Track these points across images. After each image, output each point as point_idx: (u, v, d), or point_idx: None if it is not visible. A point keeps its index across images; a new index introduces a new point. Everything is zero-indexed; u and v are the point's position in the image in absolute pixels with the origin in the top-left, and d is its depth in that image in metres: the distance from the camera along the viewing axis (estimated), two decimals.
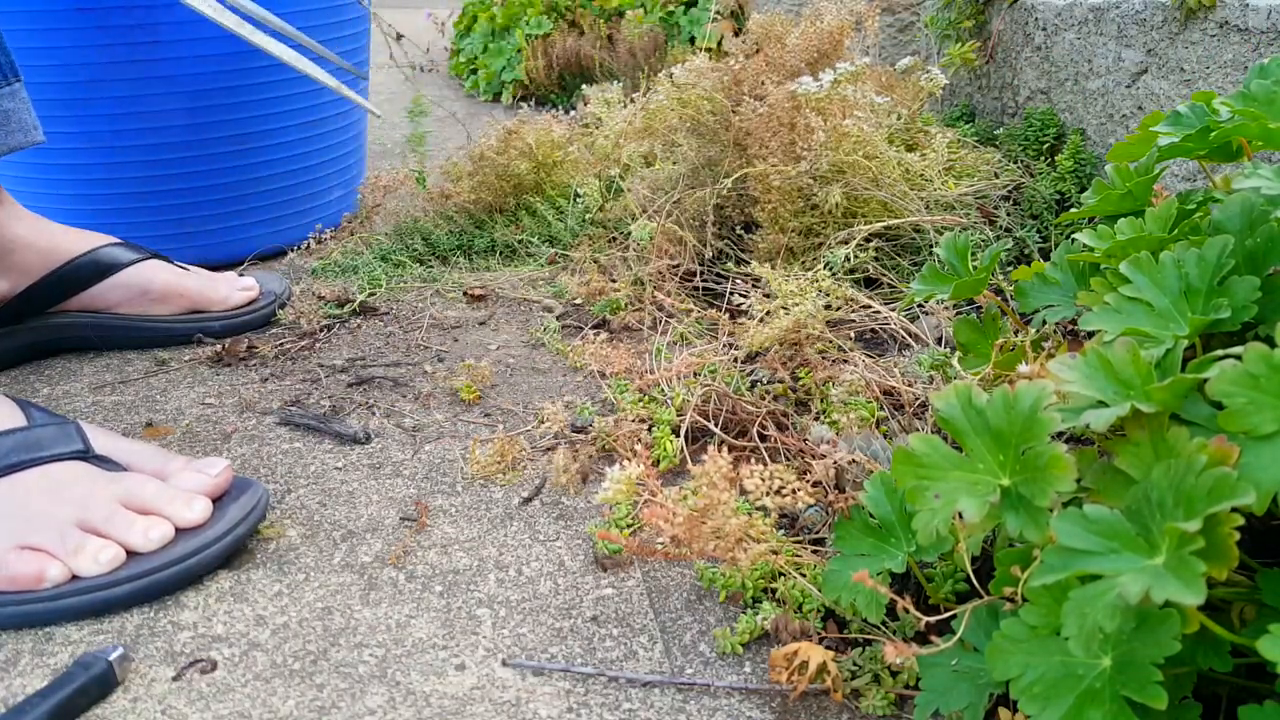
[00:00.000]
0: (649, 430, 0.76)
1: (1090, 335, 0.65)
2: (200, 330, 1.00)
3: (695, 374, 0.80)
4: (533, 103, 2.28)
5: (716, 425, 0.75)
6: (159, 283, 0.99)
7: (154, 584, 0.61)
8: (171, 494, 0.65)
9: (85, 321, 0.97)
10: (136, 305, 0.98)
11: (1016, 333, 0.65)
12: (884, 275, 0.99)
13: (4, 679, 0.56)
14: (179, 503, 0.64)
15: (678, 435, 0.75)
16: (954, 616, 0.47)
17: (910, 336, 0.88)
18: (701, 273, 1.06)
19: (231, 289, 1.03)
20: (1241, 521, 0.35)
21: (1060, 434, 0.46)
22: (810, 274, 0.84)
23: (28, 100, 0.87)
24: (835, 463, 0.65)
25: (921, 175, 1.04)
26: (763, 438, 0.74)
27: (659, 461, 0.74)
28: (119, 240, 0.99)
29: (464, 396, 0.86)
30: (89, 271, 0.96)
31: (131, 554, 0.62)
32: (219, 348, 0.96)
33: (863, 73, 1.02)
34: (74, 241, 0.96)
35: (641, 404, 0.79)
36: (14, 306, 0.94)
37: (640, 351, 0.91)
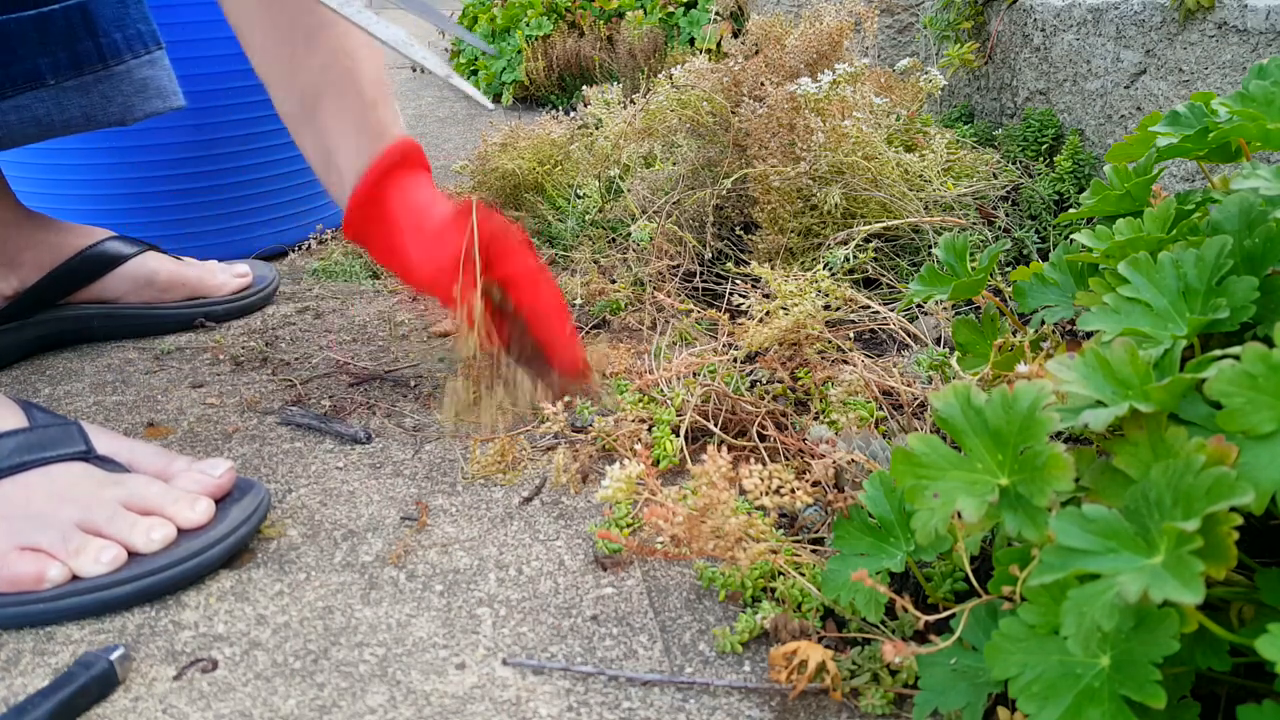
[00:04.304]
0: (649, 430, 0.77)
1: (1089, 335, 0.65)
2: (204, 314, 1.04)
3: (695, 374, 0.80)
4: (533, 103, 2.28)
5: (716, 425, 0.75)
6: (164, 273, 1.02)
7: (155, 584, 0.61)
8: (174, 495, 0.65)
9: (93, 313, 0.99)
10: (142, 295, 1.01)
11: (1015, 333, 0.65)
12: (883, 276, 0.99)
13: (5, 678, 0.56)
14: (182, 504, 0.64)
15: (677, 435, 0.75)
16: (953, 616, 0.47)
17: (909, 337, 0.88)
18: (701, 273, 1.06)
19: (227, 275, 1.07)
20: (1240, 521, 0.35)
21: (1059, 434, 0.46)
22: (809, 274, 0.84)
23: (168, 67, 0.91)
24: (834, 462, 0.65)
25: (920, 176, 1.04)
26: (762, 437, 0.74)
27: (659, 461, 0.74)
28: (116, 234, 1.01)
29: None
30: (96, 264, 0.98)
31: (133, 554, 0.62)
32: (220, 347, 0.96)
33: (862, 74, 1.02)
34: (78, 236, 0.98)
35: (641, 404, 0.79)
36: (26, 300, 0.96)
37: (640, 351, 0.91)
